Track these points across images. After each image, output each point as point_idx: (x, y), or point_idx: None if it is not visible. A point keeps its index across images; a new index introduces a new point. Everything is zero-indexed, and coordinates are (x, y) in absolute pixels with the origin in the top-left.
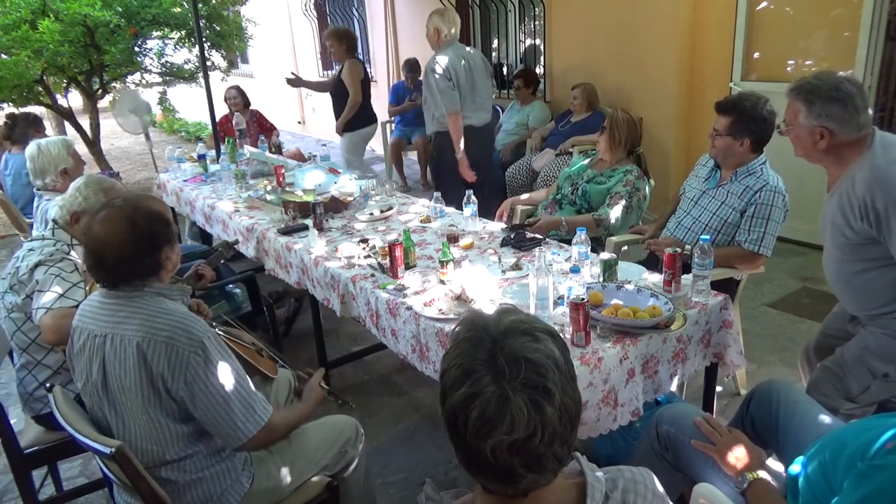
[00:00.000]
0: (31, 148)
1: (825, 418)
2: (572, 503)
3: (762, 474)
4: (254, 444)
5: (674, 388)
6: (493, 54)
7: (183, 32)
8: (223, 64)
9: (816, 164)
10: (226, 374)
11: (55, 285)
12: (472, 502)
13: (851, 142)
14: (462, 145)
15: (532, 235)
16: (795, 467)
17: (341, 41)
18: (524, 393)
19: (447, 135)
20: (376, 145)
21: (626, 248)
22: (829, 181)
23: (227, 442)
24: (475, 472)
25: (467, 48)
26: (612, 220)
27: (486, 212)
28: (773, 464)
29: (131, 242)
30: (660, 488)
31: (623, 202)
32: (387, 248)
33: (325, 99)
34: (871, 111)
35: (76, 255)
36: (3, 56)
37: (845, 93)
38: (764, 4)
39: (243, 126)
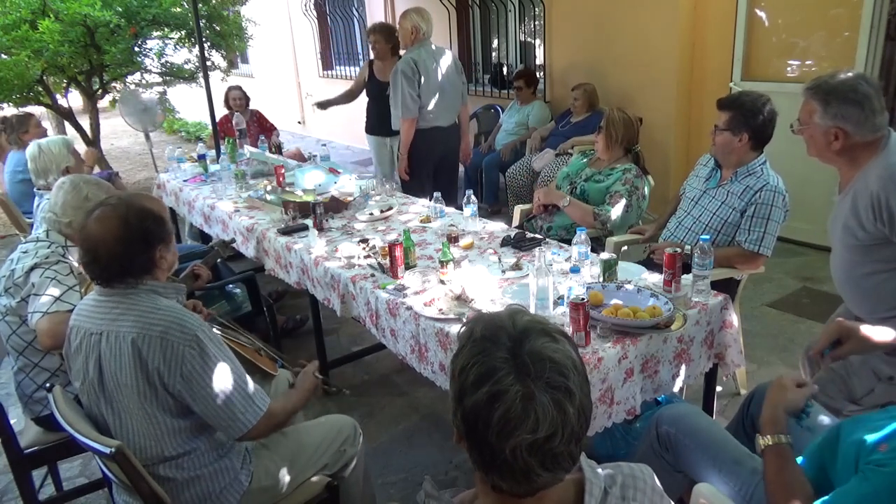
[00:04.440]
0: (32, 148)
1: (825, 418)
2: (571, 500)
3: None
4: (256, 433)
5: (677, 388)
6: (494, 54)
7: (183, 32)
8: (223, 64)
9: (829, 164)
10: (222, 367)
11: (51, 288)
12: (472, 499)
13: (866, 143)
14: (406, 149)
15: (532, 236)
16: None
17: (388, 39)
18: (548, 393)
19: (418, 132)
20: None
21: (626, 248)
22: (840, 182)
23: (228, 434)
24: (489, 471)
25: (439, 48)
26: (614, 218)
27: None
28: None
29: (124, 240)
30: (658, 484)
31: (624, 201)
32: (387, 248)
33: None
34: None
35: (72, 258)
36: (3, 56)
37: (863, 94)
38: (764, 4)
39: (243, 126)
